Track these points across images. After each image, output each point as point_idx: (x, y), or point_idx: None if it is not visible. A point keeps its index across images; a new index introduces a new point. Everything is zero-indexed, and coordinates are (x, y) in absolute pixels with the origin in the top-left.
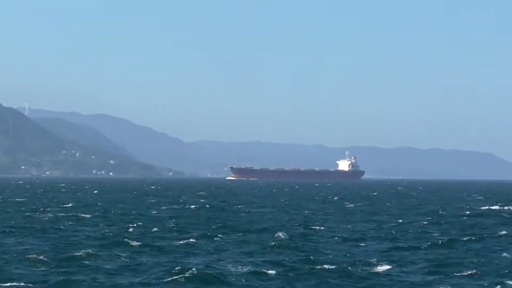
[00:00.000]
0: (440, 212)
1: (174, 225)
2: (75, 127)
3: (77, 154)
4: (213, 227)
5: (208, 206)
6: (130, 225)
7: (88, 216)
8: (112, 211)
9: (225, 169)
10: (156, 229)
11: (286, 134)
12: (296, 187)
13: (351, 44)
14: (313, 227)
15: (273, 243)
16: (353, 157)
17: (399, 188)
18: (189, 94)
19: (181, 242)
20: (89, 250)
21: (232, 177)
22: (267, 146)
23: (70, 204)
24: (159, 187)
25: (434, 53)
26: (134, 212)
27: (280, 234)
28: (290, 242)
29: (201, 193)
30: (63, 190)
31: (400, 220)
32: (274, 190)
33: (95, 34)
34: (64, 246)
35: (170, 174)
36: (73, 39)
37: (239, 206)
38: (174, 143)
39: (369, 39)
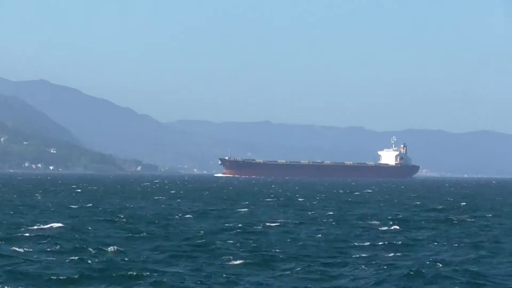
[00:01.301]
0: None
1: None
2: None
3: (1, 140)
4: None
5: None
6: None
7: None
8: None
9: (213, 162)
10: None
11: (306, 113)
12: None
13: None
14: None
15: None
16: (402, 146)
17: None
18: (166, 55)
19: None
20: None
21: (223, 173)
22: (279, 129)
23: None
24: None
25: None
26: None
27: None
28: None
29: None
30: None
31: None
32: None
33: None
34: None
35: (139, 168)
36: None
37: None
38: (144, 123)
39: None
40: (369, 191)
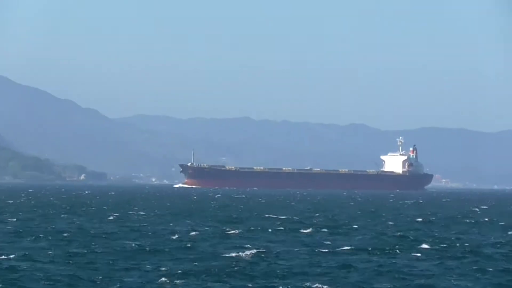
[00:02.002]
0: None
1: None
2: None
3: None
4: None
5: None
6: None
7: None
8: None
9: (177, 168)
10: None
11: (297, 107)
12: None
13: None
14: None
15: None
16: (411, 148)
17: None
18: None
19: None
20: None
21: (185, 183)
22: (262, 127)
23: None
24: None
25: None
26: None
27: None
28: None
29: None
30: None
31: None
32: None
33: None
34: None
35: (82, 177)
36: None
37: None
38: (90, 120)
39: None
40: (373, 210)
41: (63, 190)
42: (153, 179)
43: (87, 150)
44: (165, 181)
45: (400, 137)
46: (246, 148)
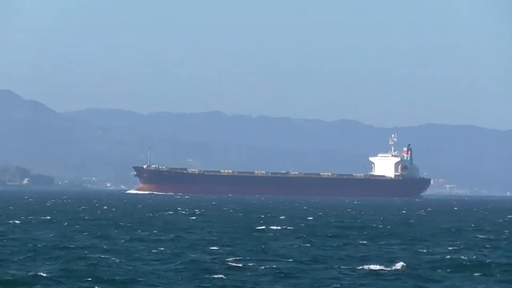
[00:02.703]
0: None
1: None
2: None
3: None
4: None
5: None
6: None
7: None
8: None
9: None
10: None
11: (277, 101)
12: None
13: None
14: None
15: None
16: (405, 149)
17: None
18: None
19: None
20: None
21: (139, 188)
22: (237, 123)
23: None
24: None
25: None
26: None
27: None
28: None
29: None
30: None
31: None
32: None
33: None
34: None
35: (25, 181)
36: None
37: None
38: (34, 114)
39: None
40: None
41: None
42: (108, 184)
43: (30, 150)
44: (122, 186)
45: (393, 135)
46: (217, 148)
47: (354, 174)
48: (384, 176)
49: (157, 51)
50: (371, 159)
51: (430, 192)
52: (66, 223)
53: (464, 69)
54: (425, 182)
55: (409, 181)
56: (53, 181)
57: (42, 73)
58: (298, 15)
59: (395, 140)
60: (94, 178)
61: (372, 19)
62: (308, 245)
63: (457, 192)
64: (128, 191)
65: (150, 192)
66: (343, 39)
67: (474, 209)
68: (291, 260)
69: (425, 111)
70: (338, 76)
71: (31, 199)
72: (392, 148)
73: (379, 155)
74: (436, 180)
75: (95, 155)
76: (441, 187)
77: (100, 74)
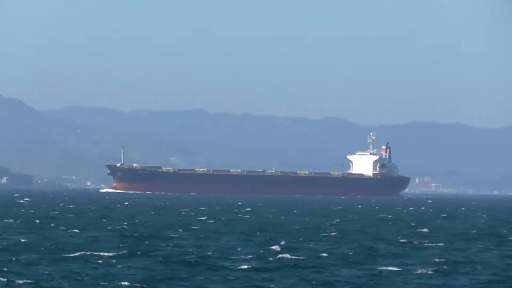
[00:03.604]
0: None
1: None
2: None
3: None
4: None
5: None
6: None
7: None
8: None
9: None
10: None
11: (261, 99)
12: None
13: None
14: None
15: None
16: (383, 147)
17: None
18: None
19: None
20: None
21: (113, 187)
22: (218, 121)
23: None
24: None
25: None
26: None
27: None
28: None
29: None
30: None
31: None
32: None
33: None
34: None
35: (4, 180)
36: None
37: None
38: (13, 112)
39: None
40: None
41: None
42: (88, 183)
43: (9, 148)
44: (102, 185)
45: (371, 133)
46: (199, 146)
47: (332, 173)
48: (362, 174)
49: (138, 48)
50: (349, 157)
51: (414, 191)
52: None
53: (453, 67)
54: (404, 181)
55: (387, 180)
56: (32, 180)
57: (21, 71)
58: (282, 11)
59: (373, 138)
60: (74, 177)
61: (357, 15)
62: None
63: (442, 191)
64: (103, 190)
65: (124, 190)
66: (328, 35)
67: (423, 208)
68: None
69: (413, 110)
70: (324, 73)
71: None
72: (371, 146)
73: (357, 153)
74: (421, 178)
75: (75, 154)
76: (426, 186)
77: (81, 71)
